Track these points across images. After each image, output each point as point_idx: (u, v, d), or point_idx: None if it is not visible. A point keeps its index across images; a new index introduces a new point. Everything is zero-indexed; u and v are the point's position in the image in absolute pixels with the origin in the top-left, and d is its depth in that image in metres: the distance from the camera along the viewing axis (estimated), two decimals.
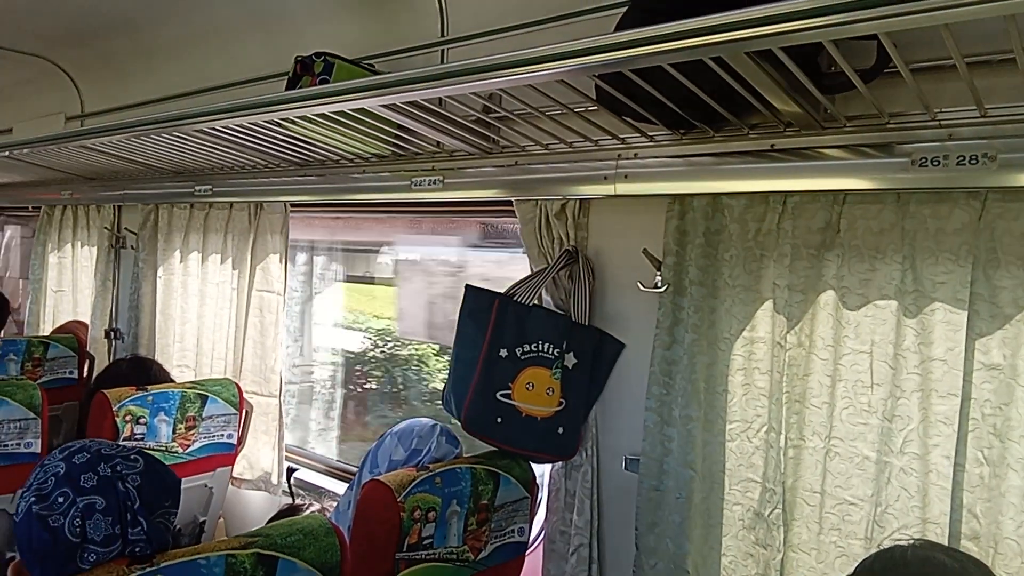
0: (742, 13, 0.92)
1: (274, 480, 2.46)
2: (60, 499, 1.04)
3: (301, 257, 3.05)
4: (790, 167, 1.29)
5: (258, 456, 2.47)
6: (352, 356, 3.24)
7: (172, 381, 2.43)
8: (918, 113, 1.17)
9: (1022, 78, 1.01)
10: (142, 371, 2.40)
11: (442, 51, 1.88)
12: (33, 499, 1.05)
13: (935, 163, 1.13)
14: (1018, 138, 1.08)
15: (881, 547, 1.16)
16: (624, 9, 1.36)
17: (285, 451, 2.48)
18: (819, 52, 1.16)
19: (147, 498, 1.09)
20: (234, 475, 2.42)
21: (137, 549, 1.05)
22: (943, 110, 1.15)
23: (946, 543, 1.15)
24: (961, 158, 1.11)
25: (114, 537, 1.04)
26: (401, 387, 3.19)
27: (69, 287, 3.43)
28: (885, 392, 1.22)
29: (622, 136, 1.48)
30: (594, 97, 1.37)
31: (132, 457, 1.13)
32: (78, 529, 1.02)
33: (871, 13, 0.84)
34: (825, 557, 1.30)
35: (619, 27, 1.31)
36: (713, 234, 1.42)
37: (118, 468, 1.09)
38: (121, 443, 1.20)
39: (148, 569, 1.03)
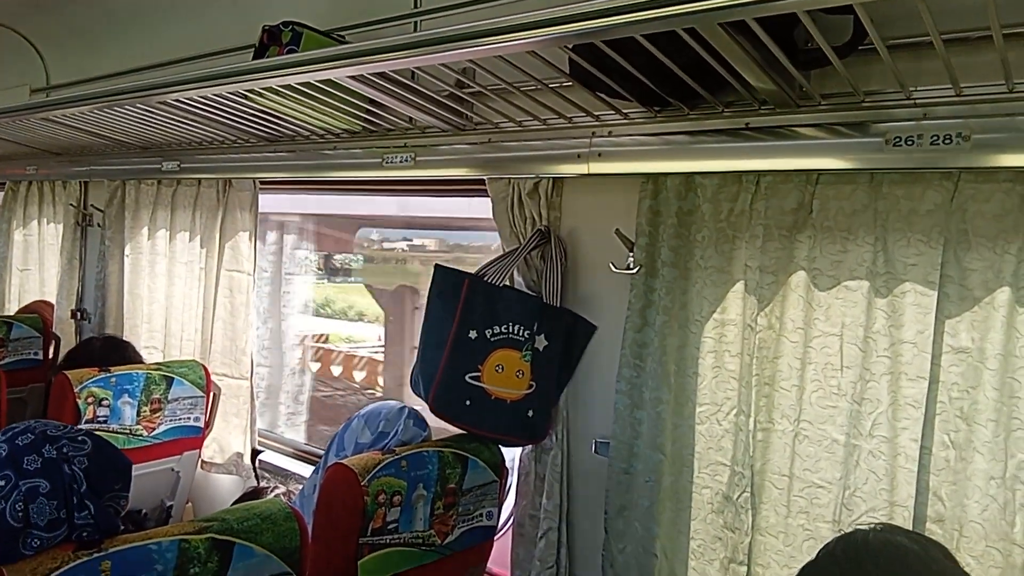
0: None
1: (245, 462, 2.42)
2: (1, 482, 1.00)
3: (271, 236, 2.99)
4: (764, 146, 1.27)
5: (228, 440, 2.43)
6: None
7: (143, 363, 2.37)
8: (893, 92, 1.15)
9: (998, 56, 0.99)
10: (116, 351, 2.34)
11: (415, 23, 1.83)
12: None
13: (909, 142, 1.11)
14: (993, 117, 1.07)
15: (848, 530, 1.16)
16: None
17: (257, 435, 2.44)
18: (794, 27, 1.13)
19: (95, 481, 1.05)
20: (204, 459, 2.38)
21: (84, 534, 1.01)
22: (918, 89, 1.13)
23: (911, 526, 1.15)
24: (935, 137, 1.09)
25: (59, 522, 1.00)
26: None
27: (35, 265, 3.34)
28: (855, 375, 1.21)
29: (596, 113, 1.45)
30: (568, 72, 1.33)
31: (80, 439, 1.08)
32: (20, 513, 0.98)
33: None
34: (793, 540, 1.29)
35: None
36: (686, 214, 1.40)
37: (64, 450, 1.05)
38: (70, 425, 1.15)
39: (96, 555, 0.99)
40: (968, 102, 1.09)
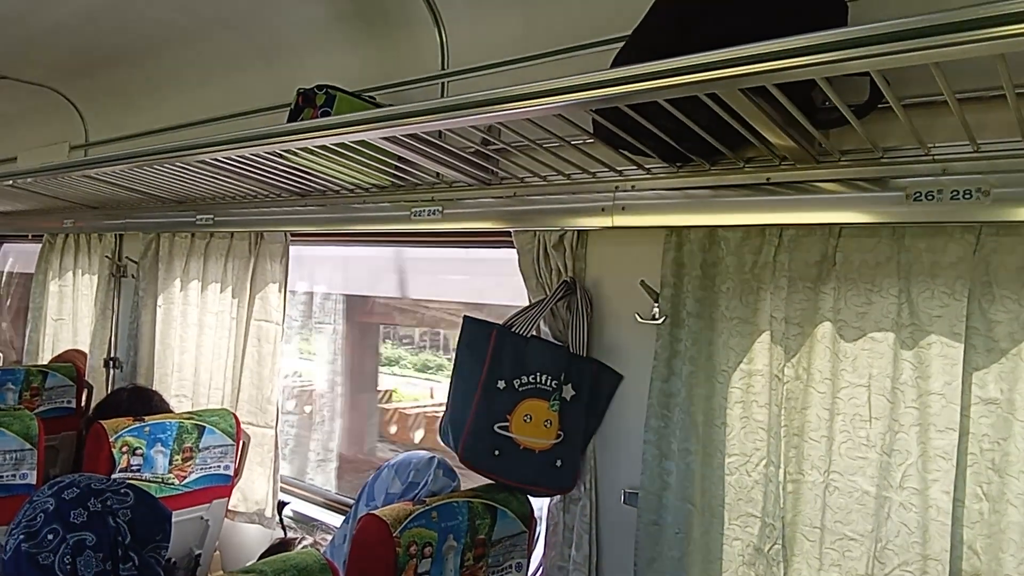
0: (737, 50, 0.93)
1: (268, 513, 2.43)
2: (50, 536, 1.03)
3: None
4: (786, 200, 1.30)
5: (253, 488, 2.45)
6: None
7: (171, 412, 2.41)
8: (912, 148, 1.17)
9: (1014, 114, 1.02)
10: (142, 401, 2.39)
11: (442, 84, 1.90)
12: (22, 536, 1.04)
13: (929, 197, 1.14)
14: (1012, 173, 1.09)
15: None
16: (621, 44, 1.37)
17: (280, 483, 2.46)
18: (813, 87, 1.17)
19: (138, 532, 1.08)
20: (228, 507, 2.39)
21: None
22: (937, 144, 1.16)
23: None
24: (955, 192, 1.12)
25: (105, 573, 1.02)
26: None
27: (69, 315, 3.42)
28: (883, 426, 1.21)
29: (619, 168, 1.49)
30: (591, 131, 1.38)
31: (123, 491, 1.11)
32: (68, 566, 1.01)
33: (862, 52, 0.85)
34: None
35: (616, 62, 1.33)
36: (710, 266, 1.43)
37: (108, 503, 1.08)
38: (112, 477, 1.18)
39: None
40: (987, 158, 1.11)
